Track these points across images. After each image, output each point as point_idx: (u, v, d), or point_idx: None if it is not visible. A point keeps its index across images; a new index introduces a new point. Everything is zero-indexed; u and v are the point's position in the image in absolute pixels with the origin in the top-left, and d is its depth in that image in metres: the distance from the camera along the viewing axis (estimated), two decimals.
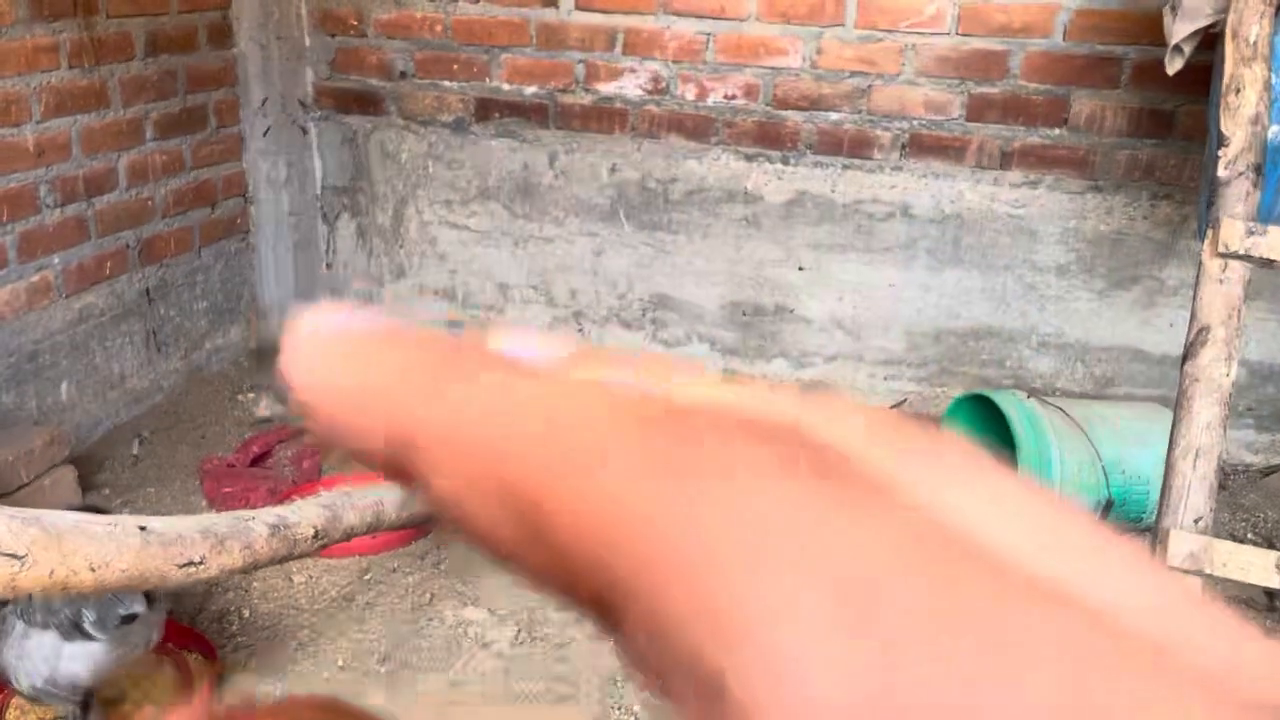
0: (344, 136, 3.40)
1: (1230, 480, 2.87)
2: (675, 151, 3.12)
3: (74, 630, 1.68)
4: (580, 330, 3.36)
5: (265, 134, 3.29)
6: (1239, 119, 1.90)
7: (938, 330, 3.07)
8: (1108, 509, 2.49)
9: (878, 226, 3.02)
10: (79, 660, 1.70)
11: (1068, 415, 2.55)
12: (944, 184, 2.94)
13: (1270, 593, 2.35)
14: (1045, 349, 3.00)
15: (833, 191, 3.03)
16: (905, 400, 3.15)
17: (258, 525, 1.65)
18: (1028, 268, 2.94)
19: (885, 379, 3.16)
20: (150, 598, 1.76)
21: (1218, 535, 2.59)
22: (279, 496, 2.58)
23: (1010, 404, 2.53)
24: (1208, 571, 1.66)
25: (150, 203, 2.97)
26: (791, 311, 3.17)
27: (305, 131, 3.41)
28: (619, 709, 1.98)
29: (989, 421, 2.67)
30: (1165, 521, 1.72)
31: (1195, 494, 1.71)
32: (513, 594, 2.28)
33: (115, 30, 2.76)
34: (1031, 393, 2.79)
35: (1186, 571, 1.67)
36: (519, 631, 2.17)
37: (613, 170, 3.19)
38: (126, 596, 1.68)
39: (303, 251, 3.47)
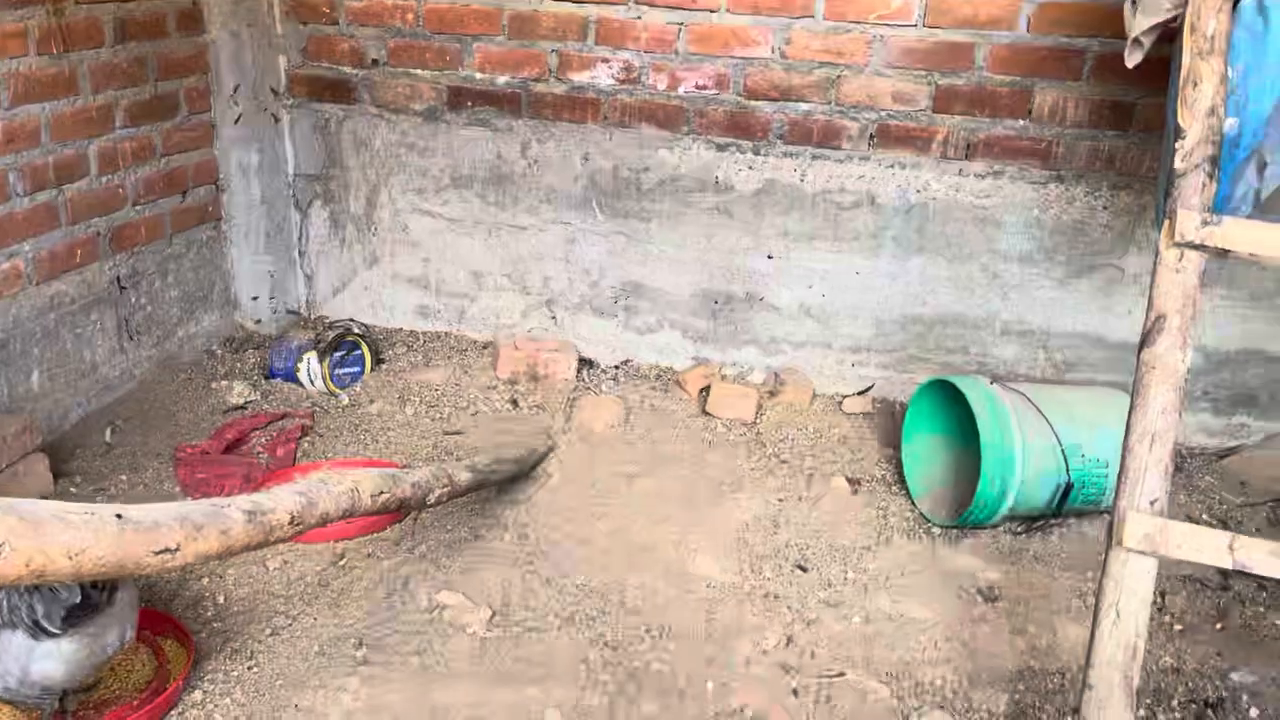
0: (316, 124, 3.40)
1: (1187, 463, 2.94)
2: (647, 141, 3.14)
3: (37, 629, 1.67)
4: (553, 318, 3.39)
5: (237, 121, 3.28)
6: (1196, 111, 1.95)
7: (904, 317, 3.12)
8: (1067, 492, 2.55)
9: (845, 215, 3.07)
10: (51, 659, 1.69)
11: (1030, 400, 2.60)
12: (910, 174, 2.99)
13: (1224, 572, 2.42)
14: (1009, 335, 3.06)
15: (802, 181, 3.07)
16: (872, 385, 3.20)
17: (233, 512, 1.67)
18: (991, 256, 3.00)
19: (853, 365, 3.21)
20: (112, 588, 1.75)
21: (1174, 517, 2.66)
22: (254, 483, 2.59)
23: (974, 390, 2.58)
24: (1163, 553, 1.72)
25: (121, 190, 2.96)
26: (761, 299, 3.21)
27: (277, 119, 3.40)
28: (592, 689, 2.02)
29: (954, 406, 2.72)
30: (1122, 503, 1.77)
31: (1151, 477, 1.77)
32: (487, 578, 2.31)
33: (84, 17, 2.75)
34: (995, 378, 2.85)
35: (1142, 553, 1.73)
36: (493, 614, 2.20)
37: (585, 159, 3.21)
38: (64, 587, 1.67)
39: (275, 239, 3.47)
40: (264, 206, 3.40)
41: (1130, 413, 1.81)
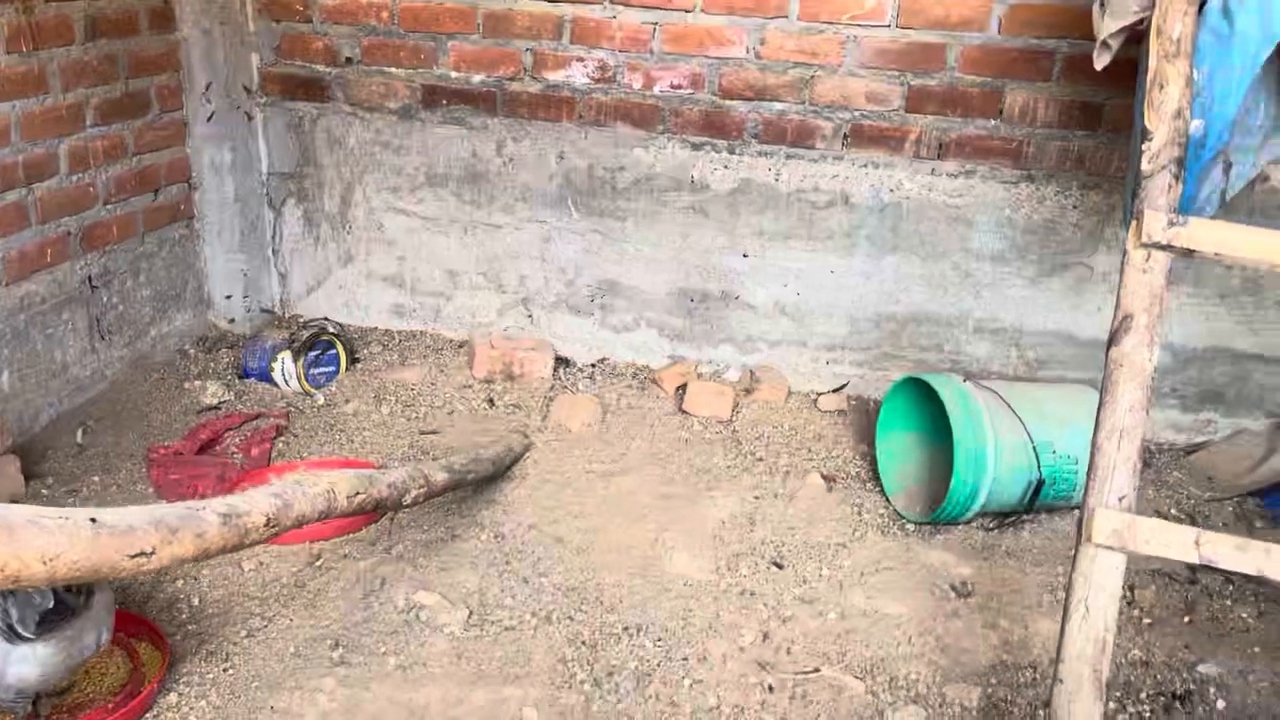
0: (290, 122, 3.38)
1: (1155, 458, 2.99)
2: (623, 140, 3.15)
3: (12, 633, 1.66)
4: (529, 316, 3.39)
5: (209, 119, 3.26)
6: (1162, 114, 1.99)
7: (879, 315, 3.15)
8: (1039, 489, 2.58)
9: (820, 215, 3.09)
10: (26, 663, 1.68)
11: (1001, 398, 2.64)
12: (884, 173, 3.01)
13: (1192, 566, 2.46)
14: (981, 333, 3.09)
15: (777, 180, 3.08)
16: (847, 383, 3.23)
17: (209, 515, 1.67)
18: (964, 255, 3.03)
19: (828, 363, 3.23)
20: (88, 591, 1.75)
21: (1143, 512, 2.69)
22: (229, 484, 2.58)
23: (947, 388, 2.61)
24: (1131, 549, 1.75)
25: (92, 189, 2.93)
26: (737, 298, 3.22)
27: (250, 117, 3.38)
28: (569, 688, 2.03)
29: (928, 404, 2.75)
30: (1091, 500, 1.80)
31: (1119, 474, 1.80)
32: (464, 577, 2.32)
33: (54, 14, 2.72)
34: (968, 376, 2.88)
35: (1111, 549, 1.75)
36: (471, 614, 2.20)
37: (561, 158, 3.21)
38: (38, 592, 1.66)
39: (248, 238, 3.45)
40: (237, 205, 3.38)
41: (1099, 410, 1.84)
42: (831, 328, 3.19)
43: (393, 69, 3.25)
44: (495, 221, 3.33)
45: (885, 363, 3.18)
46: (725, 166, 3.11)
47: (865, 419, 3.10)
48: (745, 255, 3.17)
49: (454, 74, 3.21)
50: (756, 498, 2.72)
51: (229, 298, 3.46)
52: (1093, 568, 1.75)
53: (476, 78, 3.20)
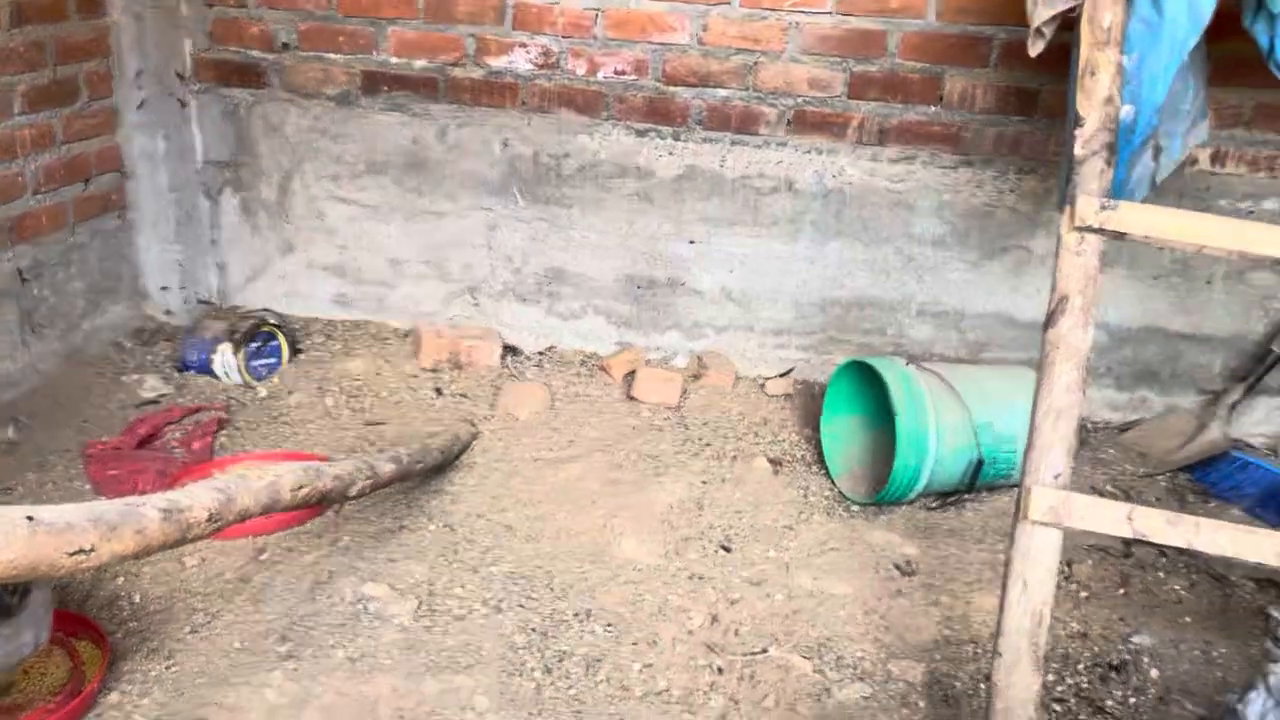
0: (225, 109, 3.31)
1: (1092, 436, 3.07)
2: (567, 126, 3.14)
3: None
4: (476, 305, 3.37)
5: (140, 107, 3.18)
6: (1094, 100, 2.03)
7: (823, 300, 3.18)
8: (979, 468, 2.64)
9: (765, 201, 3.11)
10: None
11: (944, 379, 2.68)
12: (827, 159, 3.04)
13: (1127, 541, 2.54)
14: (923, 317, 3.14)
15: (721, 166, 3.10)
16: (794, 368, 3.26)
17: (149, 510, 1.64)
18: (906, 240, 3.07)
19: (775, 348, 3.26)
20: (24, 590, 1.71)
21: (1080, 489, 2.76)
22: (170, 480, 2.53)
23: (890, 371, 2.65)
24: (1066, 525, 1.79)
25: (20, 179, 2.85)
26: (684, 284, 3.24)
27: (184, 104, 3.30)
28: (520, 675, 2.03)
29: (872, 387, 2.79)
30: (1028, 479, 1.84)
31: (1055, 453, 1.84)
32: (413, 568, 2.30)
33: None
34: (911, 359, 2.92)
35: (1047, 525, 1.80)
36: (420, 604, 2.19)
37: (505, 145, 3.19)
38: None
39: (185, 228, 3.38)
40: (173, 194, 3.31)
41: (1036, 391, 1.88)
42: (777, 313, 3.22)
43: (331, 55, 3.20)
44: (439, 209, 3.30)
45: (830, 347, 3.22)
46: (670, 153, 3.11)
47: (811, 403, 3.13)
48: (691, 242, 3.19)
49: (395, 60, 3.17)
50: (704, 482, 2.74)
51: (165, 289, 3.39)
52: (1030, 544, 1.79)
53: (418, 64, 3.17)
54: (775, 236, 3.13)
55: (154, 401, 2.97)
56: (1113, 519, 1.79)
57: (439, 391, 3.11)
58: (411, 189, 3.29)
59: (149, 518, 1.62)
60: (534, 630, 2.15)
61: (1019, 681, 1.76)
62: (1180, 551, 2.50)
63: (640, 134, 3.11)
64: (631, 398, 3.12)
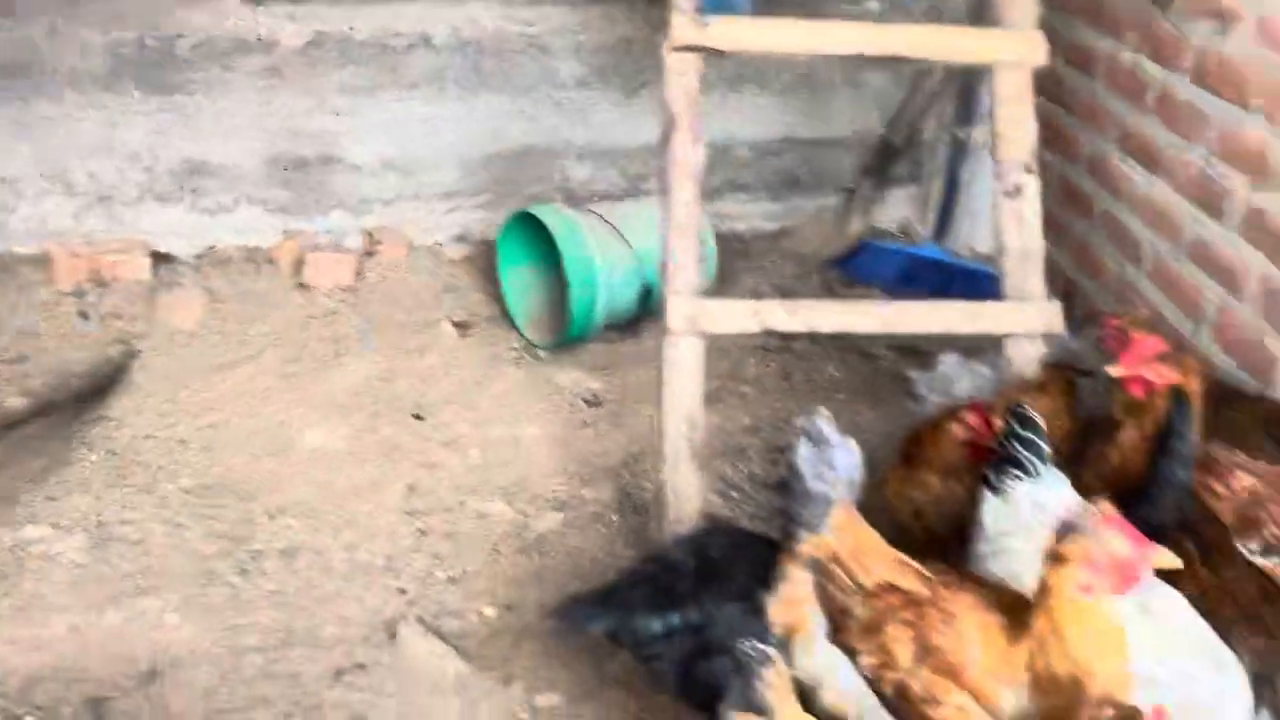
0: None
1: (752, 246, 3.27)
2: (170, 4, 2.85)
3: None
4: (112, 215, 3.07)
5: None
6: None
7: (485, 156, 3.15)
8: (648, 294, 2.77)
9: (404, 61, 3.00)
10: None
11: (603, 218, 2.77)
12: (459, 10, 2.96)
13: (785, 337, 2.75)
14: (584, 159, 3.19)
15: (351, 29, 2.94)
16: (468, 230, 3.24)
17: None
18: (551, 85, 3.08)
19: (446, 213, 3.21)
20: None
21: (743, 296, 2.96)
22: None
23: (551, 216, 2.70)
24: (704, 329, 1.93)
25: None
26: (339, 160, 3.10)
27: None
28: (212, 584, 1.98)
29: (542, 235, 2.83)
30: (667, 293, 1.96)
31: (686, 266, 1.96)
32: (77, 502, 2.15)
33: None
34: (573, 201, 2.98)
35: (687, 334, 1.93)
36: (89, 537, 2.07)
37: (104, 32, 2.87)
38: None
39: None
40: None
41: (663, 209, 1.98)
42: (442, 176, 3.16)
43: None
44: (47, 114, 2.94)
45: (502, 203, 3.20)
46: (292, 19, 2.91)
47: (491, 262, 3.14)
48: (337, 114, 3.04)
49: None
50: (390, 358, 2.71)
51: None
52: (675, 354, 1.93)
53: None
54: (423, 98, 3.04)
55: None
56: (742, 317, 1.95)
57: (84, 316, 2.85)
58: (17, 97, 2.89)
59: None
60: (223, 537, 2.10)
61: (681, 479, 1.92)
62: (833, 339, 2.78)
63: (256, 1, 2.88)
64: (304, 286, 3.00)
